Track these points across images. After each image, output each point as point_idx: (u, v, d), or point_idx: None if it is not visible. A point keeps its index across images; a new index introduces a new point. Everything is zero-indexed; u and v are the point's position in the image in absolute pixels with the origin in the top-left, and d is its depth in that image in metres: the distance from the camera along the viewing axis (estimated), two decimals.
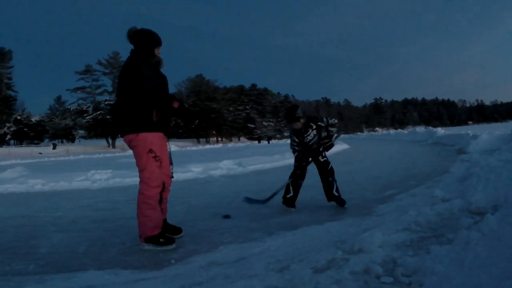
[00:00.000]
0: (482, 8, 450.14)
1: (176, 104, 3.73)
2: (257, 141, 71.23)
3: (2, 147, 64.74)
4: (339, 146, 22.90)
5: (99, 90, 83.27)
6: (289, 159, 13.49)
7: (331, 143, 5.34)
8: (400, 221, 3.78)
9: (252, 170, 11.08)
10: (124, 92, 3.71)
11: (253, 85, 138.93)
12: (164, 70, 3.96)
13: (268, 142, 67.10)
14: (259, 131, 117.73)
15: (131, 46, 3.84)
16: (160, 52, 3.94)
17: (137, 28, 3.87)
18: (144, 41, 3.81)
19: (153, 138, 3.78)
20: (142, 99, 3.63)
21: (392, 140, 35.77)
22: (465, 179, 5.91)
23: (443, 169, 8.31)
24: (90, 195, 7.78)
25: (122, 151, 49.57)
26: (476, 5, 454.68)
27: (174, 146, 50.84)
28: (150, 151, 3.78)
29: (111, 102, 79.57)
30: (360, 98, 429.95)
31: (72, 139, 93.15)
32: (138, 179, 3.95)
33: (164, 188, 3.97)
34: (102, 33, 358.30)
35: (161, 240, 3.73)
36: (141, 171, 3.83)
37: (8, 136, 74.97)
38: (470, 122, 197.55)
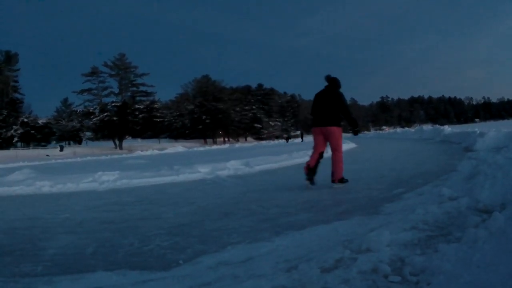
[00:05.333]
0: (487, 5, 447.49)
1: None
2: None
3: (9, 149, 65.09)
4: (346, 145, 22.79)
5: (105, 92, 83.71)
6: (297, 159, 13.51)
7: None
8: (408, 220, 3.77)
9: (259, 170, 11.05)
10: (338, 107, 7.07)
11: (260, 85, 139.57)
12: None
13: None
14: (266, 131, 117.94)
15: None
16: None
17: (331, 75, 7.34)
18: (340, 84, 7.34)
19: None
20: (346, 113, 7.17)
21: (399, 139, 35.68)
22: (473, 177, 5.88)
23: (450, 167, 8.27)
24: (98, 197, 7.80)
25: (129, 152, 49.74)
26: (482, 2, 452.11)
27: (181, 147, 51.00)
28: (341, 135, 7.26)
29: (118, 104, 79.92)
30: (367, 97, 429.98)
31: (79, 141, 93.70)
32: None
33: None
34: (108, 35, 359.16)
35: (344, 180, 7.06)
36: (339, 145, 7.15)
37: (15, 139, 75.43)
38: (477, 120, 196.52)
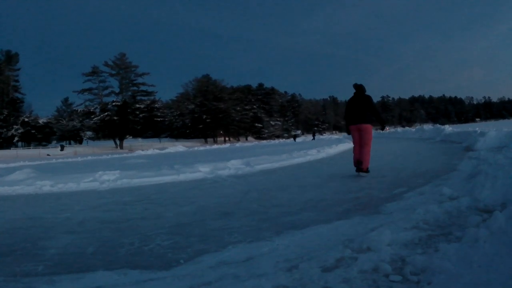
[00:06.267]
0: (488, 5, 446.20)
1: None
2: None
3: (10, 149, 65.13)
4: (347, 145, 22.79)
5: (106, 92, 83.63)
6: (297, 158, 13.51)
7: None
8: (408, 219, 3.77)
9: (260, 170, 11.04)
10: (367, 108, 8.45)
11: (260, 85, 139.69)
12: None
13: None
14: (266, 131, 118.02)
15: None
16: None
17: (357, 83, 8.76)
18: (365, 88, 8.75)
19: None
20: (375, 112, 8.53)
21: (399, 138, 35.67)
22: (473, 177, 5.88)
23: (451, 167, 8.28)
24: (98, 196, 7.80)
25: (129, 152, 49.71)
26: (482, 2, 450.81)
27: (181, 146, 51.00)
28: (371, 132, 8.64)
29: (118, 103, 79.94)
30: None
31: (79, 141, 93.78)
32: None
33: None
34: (109, 35, 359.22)
35: (368, 171, 8.36)
36: (369, 140, 8.50)
37: (16, 138, 75.42)
38: (477, 119, 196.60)
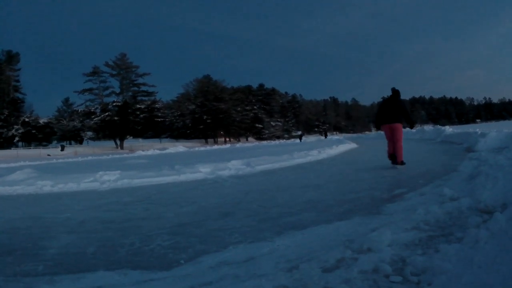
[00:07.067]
0: (489, 5, 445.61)
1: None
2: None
3: (10, 149, 65.14)
4: (348, 145, 22.80)
5: (106, 92, 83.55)
6: (298, 159, 13.49)
7: None
8: (409, 220, 3.77)
9: (260, 170, 11.01)
10: (401, 110, 9.77)
11: (261, 85, 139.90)
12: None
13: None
14: (267, 131, 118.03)
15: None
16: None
17: (395, 88, 9.96)
18: (400, 94, 9.93)
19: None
20: (407, 115, 9.98)
21: None
22: (474, 178, 5.87)
23: (452, 167, 8.27)
24: (99, 196, 7.80)
25: (130, 152, 49.68)
26: (483, 2, 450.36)
27: (182, 146, 50.95)
28: (402, 130, 9.85)
29: (119, 104, 79.94)
30: (368, 97, 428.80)
31: (80, 141, 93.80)
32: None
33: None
34: (110, 35, 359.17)
35: (403, 163, 9.45)
36: (400, 137, 9.70)
37: (17, 138, 75.39)
38: (478, 120, 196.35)
